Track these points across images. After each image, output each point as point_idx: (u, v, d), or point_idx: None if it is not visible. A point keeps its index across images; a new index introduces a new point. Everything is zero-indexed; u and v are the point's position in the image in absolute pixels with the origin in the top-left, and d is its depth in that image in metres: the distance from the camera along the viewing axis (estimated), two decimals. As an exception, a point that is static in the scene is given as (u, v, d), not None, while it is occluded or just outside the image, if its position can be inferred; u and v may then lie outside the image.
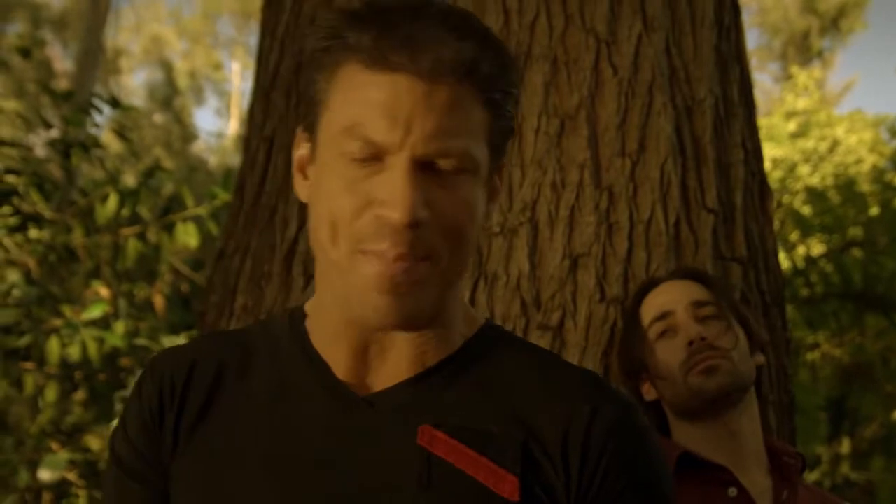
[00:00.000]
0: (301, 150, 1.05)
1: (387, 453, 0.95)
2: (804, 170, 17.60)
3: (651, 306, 1.72)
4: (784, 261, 7.97)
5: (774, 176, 17.70)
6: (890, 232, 8.91)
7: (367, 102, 0.92)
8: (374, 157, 0.92)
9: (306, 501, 0.94)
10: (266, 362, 1.05)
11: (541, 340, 1.95)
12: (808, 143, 17.45)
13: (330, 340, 1.03)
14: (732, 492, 1.57)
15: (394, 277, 0.92)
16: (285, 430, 0.99)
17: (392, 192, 0.90)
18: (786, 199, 17.93)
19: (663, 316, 1.68)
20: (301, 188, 1.05)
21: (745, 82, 2.39)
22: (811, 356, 8.96)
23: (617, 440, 0.96)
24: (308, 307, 1.09)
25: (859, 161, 17.67)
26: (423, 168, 0.92)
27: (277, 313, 1.23)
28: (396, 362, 1.02)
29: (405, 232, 0.91)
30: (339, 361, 1.02)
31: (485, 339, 1.06)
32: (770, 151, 17.49)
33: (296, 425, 0.99)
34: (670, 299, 1.69)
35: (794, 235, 13.22)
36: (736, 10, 2.45)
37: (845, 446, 9.73)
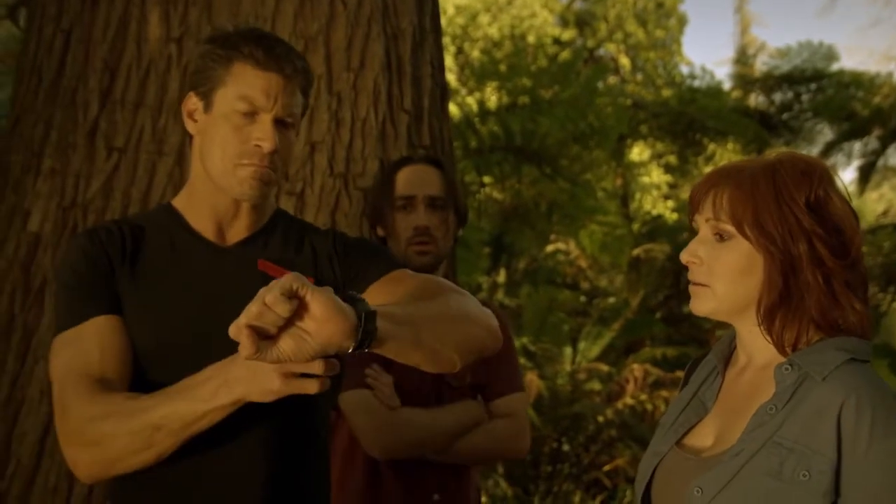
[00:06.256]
0: (190, 105, 1.88)
1: (241, 276, 1.86)
2: (484, 19, 19.16)
3: (404, 180, 2.59)
4: (457, 112, 9.26)
5: (457, 23, 19.15)
6: (555, 84, 10.42)
7: (255, 85, 1.80)
8: (252, 114, 1.80)
9: (202, 301, 1.83)
10: (158, 233, 1.90)
11: (287, 202, 2.89)
12: (490, -6, 18.74)
13: (200, 218, 1.90)
14: None
15: (262, 176, 1.83)
16: (185, 270, 1.86)
17: (264, 133, 1.79)
18: (466, 46, 19.44)
19: (408, 198, 2.56)
20: (190, 125, 1.90)
21: (435, 14, 3.37)
22: (478, 198, 10.49)
23: (345, 240, 1.97)
24: (176, 203, 1.95)
25: (533, 15, 19.48)
26: (277, 122, 1.82)
27: (152, 209, 2.07)
28: (240, 227, 1.91)
29: (269, 154, 1.80)
30: (206, 229, 1.90)
31: (280, 213, 1.99)
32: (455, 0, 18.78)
33: (189, 267, 1.87)
34: (416, 183, 2.57)
35: (471, 83, 14.71)
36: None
37: (502, 276, 11.55)
